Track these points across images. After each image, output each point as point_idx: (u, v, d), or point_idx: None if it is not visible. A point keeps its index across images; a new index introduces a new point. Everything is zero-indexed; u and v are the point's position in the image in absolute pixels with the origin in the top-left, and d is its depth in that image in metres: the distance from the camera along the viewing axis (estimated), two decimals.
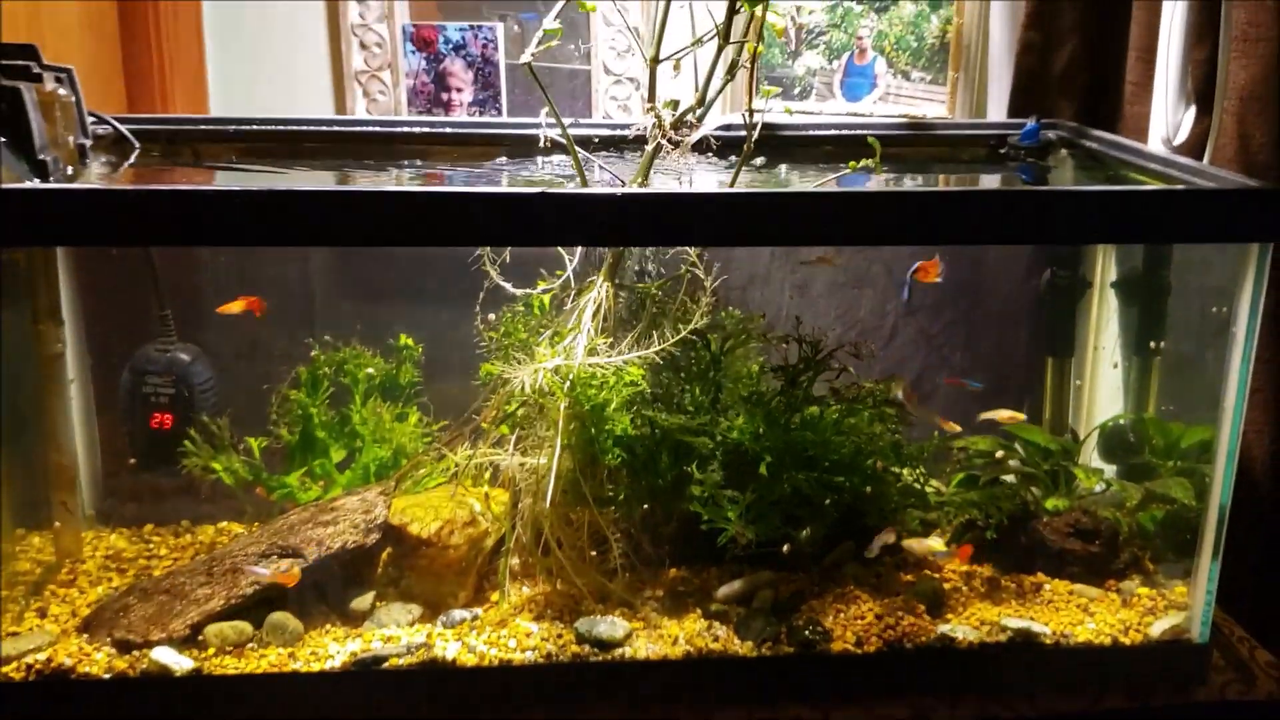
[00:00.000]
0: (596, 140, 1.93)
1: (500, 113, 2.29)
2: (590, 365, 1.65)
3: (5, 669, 1.55)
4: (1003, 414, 1.97)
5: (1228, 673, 1.71)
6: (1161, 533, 1.89)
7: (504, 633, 1.66)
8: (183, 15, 2.20)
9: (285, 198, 1.40)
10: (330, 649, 1.62)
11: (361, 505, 1.77)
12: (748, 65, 1.70)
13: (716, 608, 1.72)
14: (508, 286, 1.78)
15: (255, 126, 1.96)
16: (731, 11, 1.63)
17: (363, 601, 1.72)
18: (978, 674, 1.68)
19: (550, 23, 1.60)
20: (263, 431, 1.90)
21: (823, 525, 1.76)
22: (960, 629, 1.69)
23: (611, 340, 1.69)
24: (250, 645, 1.62)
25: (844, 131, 2.03)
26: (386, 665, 1.59)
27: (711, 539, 1.67)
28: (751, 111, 1.70)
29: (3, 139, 1.49)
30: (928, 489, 1.83)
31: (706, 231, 1.51)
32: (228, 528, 1.98)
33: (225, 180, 1.90)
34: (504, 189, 1.45)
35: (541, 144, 1.75)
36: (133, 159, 1.83)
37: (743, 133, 1.71)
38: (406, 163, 2.00)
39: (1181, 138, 2.02)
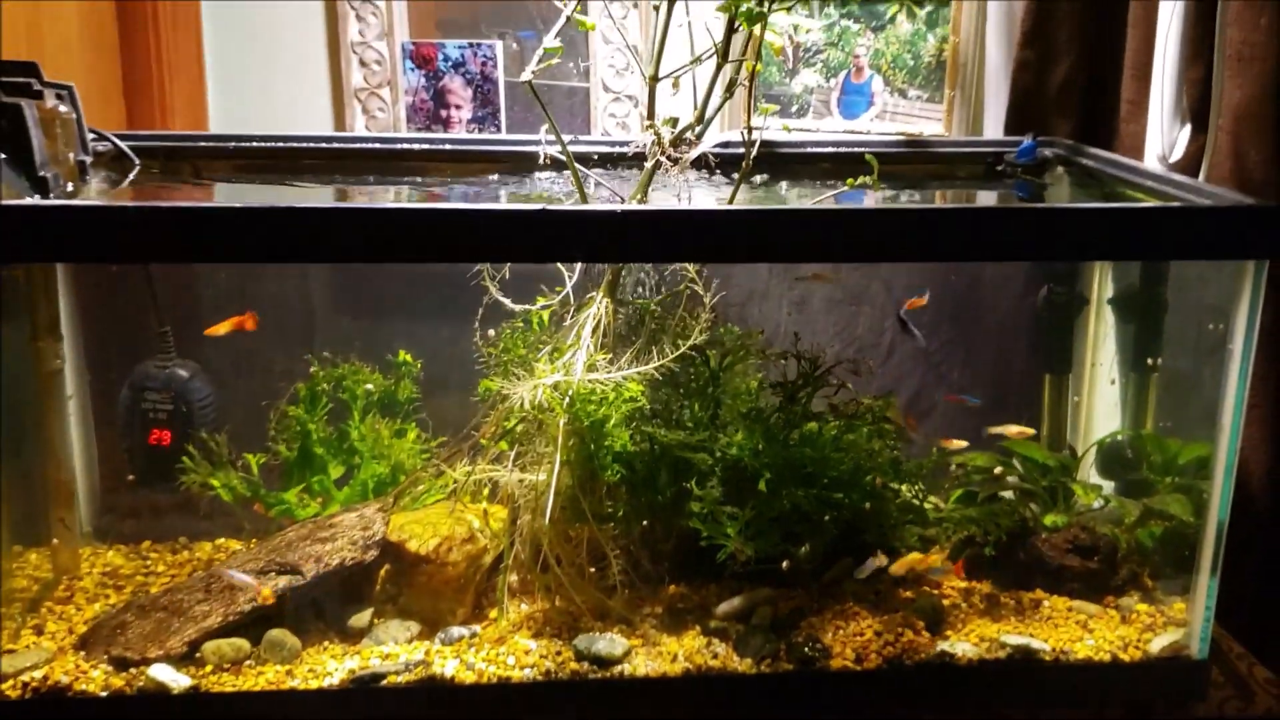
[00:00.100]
0: (596, 157, 1.93)
1: (499, 130, 2.30)
2: (589, 381, 1.65)
3: (2, 687, 1.55)
4: (1011, 429, 1.97)
5: (1226, 689, 1.71)
6: (1160, 549, 1.89)
7: (502, 650, 1.65)
8: (183, 32, 2.21)
9: (284, 214, 1.40)
10: (328, 666, 1.61)
11: (360, 522, 1.77)
12: (746, 83, 1.71)
13: (716, 625, 1.72)
14: (507, 302, 1.78)
15: (255, 143, 1.97)
16: (730, 30, 1.64)
17: (361, 618, 1.71)
18: (977, 690, 1.68)
19: (550, 41, 1.61)
20: (261, 448, 1.90)
21: (822, 542, 1.76)
22: (960, 646, 1.69)
23: (611, 356, 1.69)
24: (248, 662, 1.61)
25: (842, 149, 2.04)
26: (385, 683, 1.59)
27: (711, 555, 1.67)
28: (750, 129, 1.70)
29: (3, 155, 1.50)
30: (926, 505, 1.83)
31: (705, 248, 1.51)
32: (225, 544, 1.97)
33: (225, 196, 1.91)
34: (504, 206, 1.45)
35: (541, 161, 1.75)
36: (132, 176, 1.83)
37: (741, 150, 1.72)
38: (406, 179, 2.01)
39: (1177, 156, 2.03)
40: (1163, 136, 2.06)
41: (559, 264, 1.76)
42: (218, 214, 1.42)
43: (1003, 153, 2.07)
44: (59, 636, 1.68)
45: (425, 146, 2.01)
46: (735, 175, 1.74)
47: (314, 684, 1.58)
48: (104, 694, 1.55)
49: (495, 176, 1.97)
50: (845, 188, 1.72)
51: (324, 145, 2.00)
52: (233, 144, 1.96)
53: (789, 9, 1.65)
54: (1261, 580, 1.98)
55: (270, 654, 1.62)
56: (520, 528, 1.72)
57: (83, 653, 1.63)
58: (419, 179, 1.99)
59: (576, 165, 1.69)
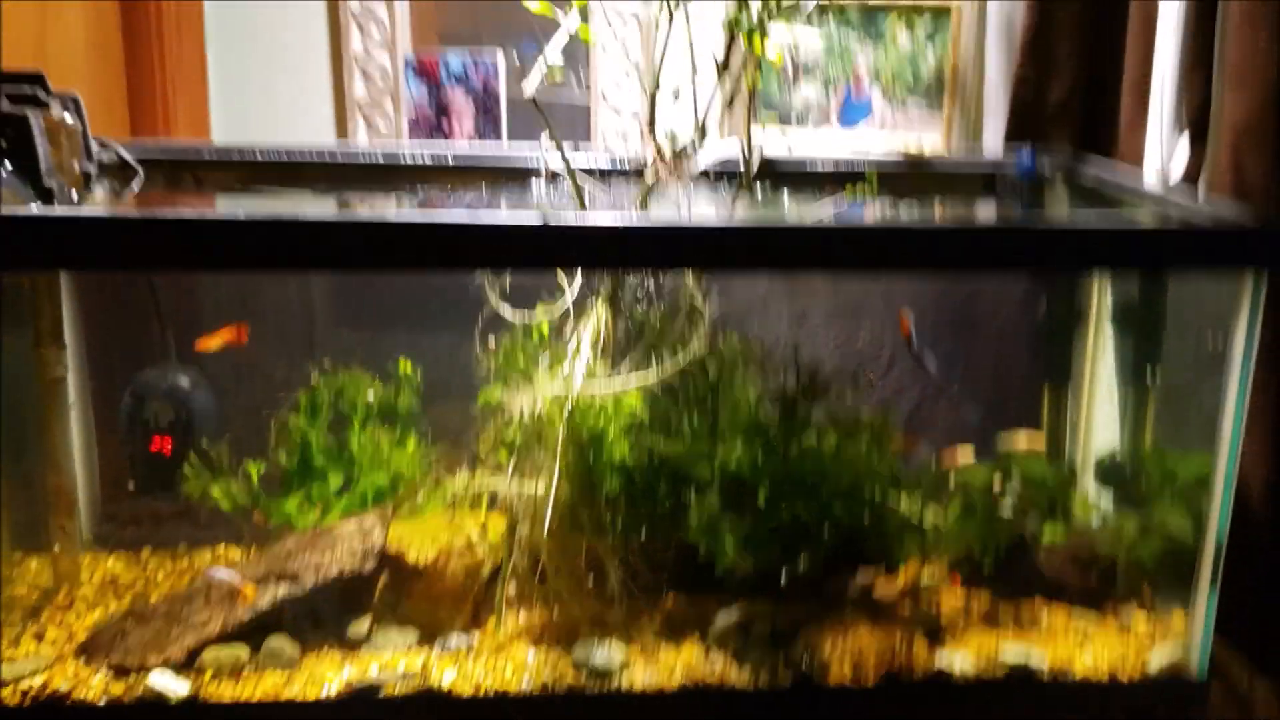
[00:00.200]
0: (596, 169, 1.94)
1: (501, 142, 2.31)
2: (589, 392, 1.65)
3: (2, 693, 1.55)
4: (1020, 438, 1.98)
5: (1226, 703, 1.71)
6: (1159, 562, 1.88)
7: (501, 660, 1.65)
8: (186, 42, 2.23)
9: (287, 224, 1.41)
10: (327, 675, 1.61)
11: (359, 531, 1.77)
12: (746, 96, 1.72)
13: (714, 637, 1.72)
14: (507, 313, 1.79)
15: (258, 154, 1.98)
16: (730, 42, 1.65)
17: (359, 627, 1.72)
18: (975, 704, 1.68)
19: (553, 55, 1.61)
20: (261, 457, 1.90)
21: (821, 554, 1.76)
22: (958, 659, 1.69)
23: (610, 367, 1.69)
24: (247, 671, 1.61)
25: (842, 166, 2.04)
26: (383, 692, 1.59)
27: (709, 567, 1.68)
28: (749, 141, 1.71)
29: (9, 165, 1.51)
30: (925, 518, 1.84)
31: (704, 259, 1.52)
32: (225, 553, 1.98)
33: (228, 206, 1.91)
34: (505, 215, 1.46)
35: (542, 172, 1.76)
36: (136, 185, 1.84)
37: (741, 164, 1.73)
38: (407, 190, 2.02)
39: (1177, 169, 2.03)
40: (1162, 150, 2.07)
41: (558, 273, 1.77)
42: (220, 224, 1.42)
43: (1001, 171, 2.08)
44: (59, 643, 1.68)
45: (427, 157, 2.02)
46: (734, 187, 1.74)
47: (312, 692, 1.58)
48: (103, 701, 1.55)
49: (503, 187, 1.98)
50: (844, 200, 1.73)
51: (326, 156, 2.01)
52: (236, 154, 1.98)
53: (790, 22, 1.66)
54: (1262, 593, 1.97)
55: (269, 662, 1.62)
56: (519, 538, 1.72)
57: (83, 660, 1.63)
58: (420, 189, 2.00)
59: (576, 176, 1.70)
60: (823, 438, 1.76)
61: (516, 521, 1.72)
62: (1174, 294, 2.00)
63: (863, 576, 1.74)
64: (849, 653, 1.68)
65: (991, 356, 2.24)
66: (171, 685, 1.56)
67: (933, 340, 1.86)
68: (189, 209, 1.84)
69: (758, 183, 1.92)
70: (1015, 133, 2.23)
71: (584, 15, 1.68)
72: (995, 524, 1.87)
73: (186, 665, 1.60)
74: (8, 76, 1.60)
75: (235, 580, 1.66)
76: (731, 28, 1.60)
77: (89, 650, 1.64)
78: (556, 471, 1.67)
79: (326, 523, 1.84)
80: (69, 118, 1.67)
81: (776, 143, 1.99)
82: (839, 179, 2.00)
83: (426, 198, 2.00)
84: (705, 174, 1.76)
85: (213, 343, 1.78)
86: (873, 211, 1.79)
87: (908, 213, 1.95)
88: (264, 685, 1.59)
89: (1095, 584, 1.84)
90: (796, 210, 1.93)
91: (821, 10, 2.23)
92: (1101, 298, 2.15)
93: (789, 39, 2.18)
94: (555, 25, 1.67)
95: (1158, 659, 1.71)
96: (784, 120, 2.29)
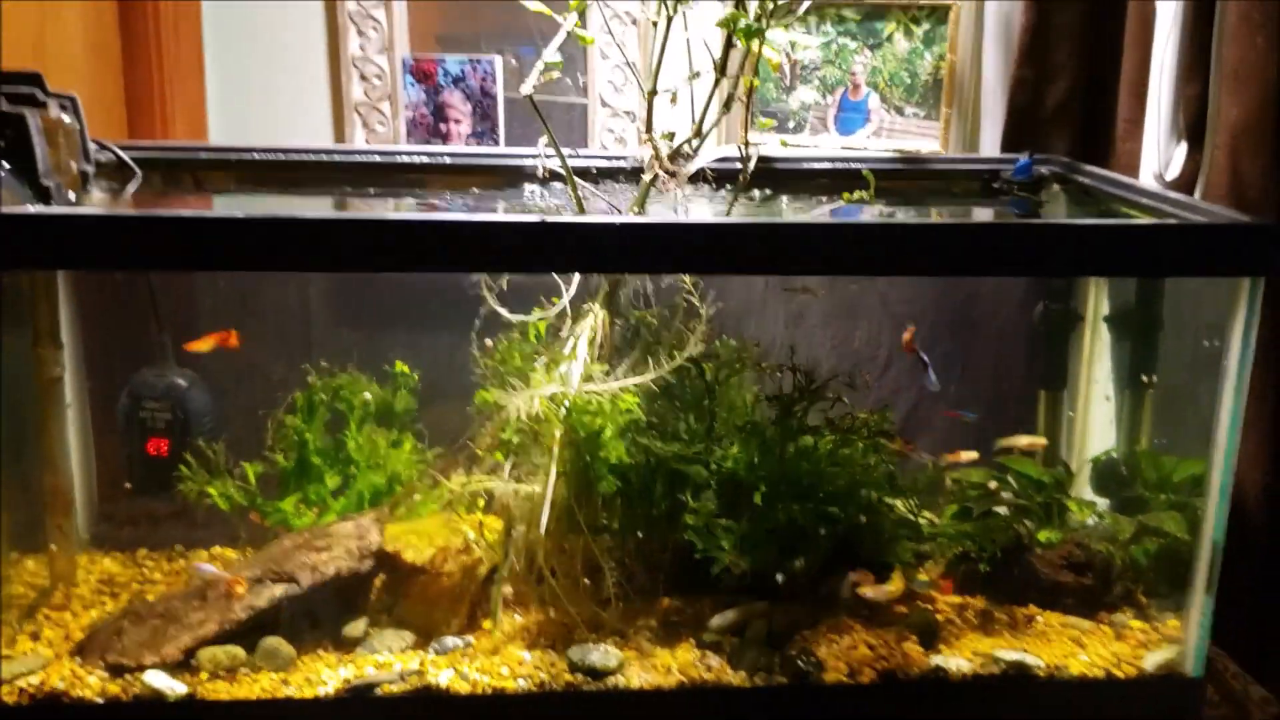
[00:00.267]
0: (594, 171, 1.94)
1: (498, 144, 2.32)
2: (586, 392, 1.66)
3: None
4: (1022, 440, 1.98)
5: (1221, 707, 1.71)
6: (1154, 566, 1.89)
7: (497, 660, 1.65)
8: (184, 44, 2.23)
9: (285, 224, 1.41)
10: (323, 675, 1.61)
11: (356, 531, 1.77)
12: (743, 98, 1.72)
13: (710, 637, 1.72)
14: (504, 313, 1.79)
15: (255, 155, 1.98)
16: (728, 45, 1.65)
17: (356, 628, 1.72)
18: (971, 706, 1.68)
19: (551, 55, 1.62)
20: (259, 457, 1.90)
21: (817, 555, 1.76)
22: (954, 661, 1.69)
23: (607, 368, 1.70)
24: (243, 670, 1.61)
25: (838, 165, 2.05)
26: (379, 692, 1.59)
27: (705, 568, 1.68)
28: (747, 144, 1.71)
29: (7, 164, 1.51)
30: (921, 520, 1.84)
31: (701, 260, 1.52)
32: (222, 553, 1.98)
33: (225, 206, 1.92)
34: (503, 217, 1.46)
35: (540, 174, 1.76)
36: (134, 186, 1.84)
37: (738, 165, 1.73)
38: (405, 191, 2.02)
39: (1174, 173, 2.04)
40: (1159, 154, 2.07)
41: (556, 275, 1.77)
42: (217, 223, 1.43)
43: (999, 170, 2.08)
44: (55, 643, 1.68)
45: (424, 159, 2.03)
46: (732, 190, 1.75)
47: (308, 692, 1.58)
48: (100, 700, 1.55)
49: (499, 189, 1.99)
50: (841, 202, 1.73)
51: (324, 158, 2.01)
52: (234, 155, 1.98)
53: (786, 26, 1.66)
54: (1257, 597, 1.98)
55: (265, 662, 1.62)
56: (515, 539, 1.72)
57: (79, 659, 1.63)
58: (418, 191, 2.00)
59: (575, 178, 1.70)
60: (819, 439, 1.76)
61: (513, 522, 1.72)
62: (1170, 297, 2.01)
63: (858, 578, 1.74)
64: (844, 653, 1.68)
65: (989, 359, 2.24)
66: (168, 684, 1.56)
67: (931, 348, 1.87)
68: (186, 208, 1.84)
69: (756, 190, 1.93)
70: (1012, 136, 2.23)
71: (582, 17, 1.68)
72: (991, 526, 1.87)
73: (183, 665, 1.60)
74: (6, 76, 1.60)
75: (223, 576, 1.66)
76: (727, 26, 1.60)
77: (85, 650, 1.64)
78: (553, 472, 1.67)
79: (323, 523, 1.85)
80: (67, 117, 1.67)
81: (773, 150, 1.99)
82: (835, 177, 2.00)
83: (425, 200, 2.01)
84: (703, 176, 1.76)
85: (202, 347, 1.78)
86: (870, 213, 1.80)
87: (903, 214, 1.96)
88: (260, 685, 1.59)
89: (1091, 587, 1.84)
90: (793, 212, 1.94)
91: (819, 13, 2.24)
92: (1098, 301, 2.15)
93: (785, 41, 2.19)
94: (553, 32, 1.67)
95: (1152, 660, 1.71)
96: (781, 128, 2.29)
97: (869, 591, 1.71)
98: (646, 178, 1.69)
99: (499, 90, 2.30)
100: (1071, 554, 1.86)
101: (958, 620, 1.81)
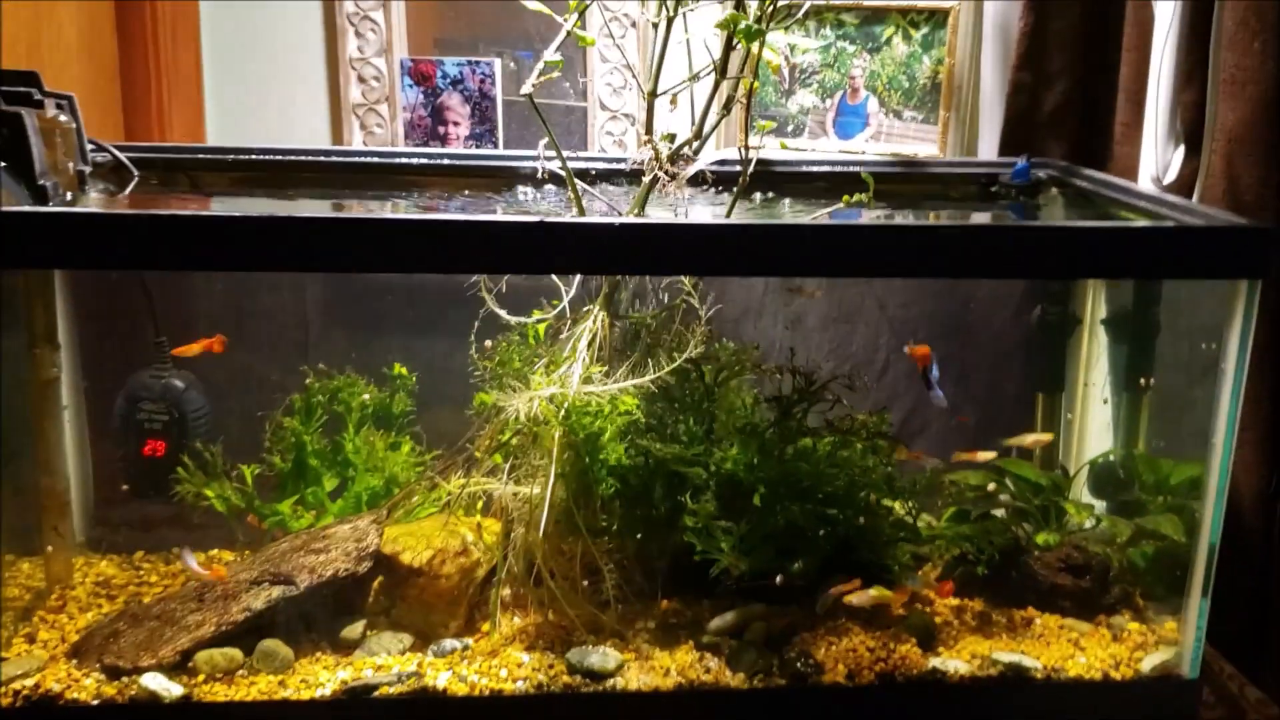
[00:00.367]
0: (593, 173, 1.94)
1: (496, 147, 2.31)
2: (585, 394, 1.65)
3: None
4: (1028, 439, 1.98)
5: (1218, 709, 1.71)
6: (1152, 569, 1.89)
7: (495, 663, 1.65)
8: (182, 46, 2.23)
9: (282, 224, 1.41)
10: (321, 677, 1.61)
11: (353, 533, 1.77)
12: (743, 101, 1.72)
13: (709, 639, 1.72)
14: (503, 315, 1.79)
15: (253, 156, 1.98)
16: (728, 47, 1.65)
17: (353, 630, 1.71)
18: (969, 707, 1.68)
19: (551, 55, 1.62)
20: (256, 459, 1.90)
21: (816, 558, 1.76)
22: (951, 663, 1.69)
23: (606, 369, 1.69)
24: (240, 672, 1.61)
25: (837, 168, 2.05)
26: (377, 694, 1.59)
27: (704, 570, 1.67)
28: (746, 146, 1.71)
29: (3, 164, 1.50)
30: (920, 522, 1.84)
31: (701, 262, 1.52)
32: (219, 555, 1.97)
33: (221, 207, 1.91)
34: (502, 218, 1.46)
35: (539, 175, 1.76)
36: (131, 186, 1.84)
37: (737, 167, 1.73)
38: (403, 193, 2.02)
39: (1171, 177, 2.04)
40: (1157, 158, 2.08)
41: (555, 277, 1.77)
42: (215, 222, 1.42)
43: (997, 174, 2.09)
44: (51, 645, 1.67)
45: (422, 161, 2.03)
46: (731, 192, 1.75)
47: (306, 695, 1.58)
48: (95, 702, 1.55)
49: (498, 190, 1.99)
50: (841, 205, 1.73)
51: (321, 159, 2.01)
52: (231, 157, 1.97)
53: (786, 29, 1.66)
54: (1253, 600, 1.98)
55: (263, 664, 1.62)
56: (514, 541, 1.72)
57: (75, 661, 1.62)
58: (416, 192, 2.00)
59: (575, 180, 1.70)
60: (818, 441, 1.76)
61: (512, 524, 1.72)
62: (1167, 301, 2.02)
63: (837, 591, 1.73)
64: (843, 655, 1.68)
65: (987, 362, 2.24)
66: (164, 686, 1.56)
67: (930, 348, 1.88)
68: (184, 208, 1.84)
69: (756, 192, 1.93)
70: (1010, 140, 2.24)
71: (582, 18, 1.68)
72: (990, 529, 1.87)
73: (179, 667, 1.60)
74: (2, 76, 1.60)
75: (201, 573, 1.66)
76: (727, 27, 1.60)
77: (81, 651, 1.64)
78: (552, 474, 1.67)
79: (321, 525, 1.84)
80: (63, 117, 1.67)
81: (773, 153, 1.99)
82: (834, 180, 2.00)
83: (423, 201, 2.00)
84: (703, 179, 1.76)
85: (189, 352, 1.78)
86: (869, 216, 1.80)
87: (902, 217, 1.96)
88: (258, 687, 1.58)
89: (1088, 589, 1.85)
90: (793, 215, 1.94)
91: (818, 17, 2.24)
92: (1096, 304, 2.16)
93: (785, 45, 2.19)
94: (551, 35, 1.67)
95: (1150, 662, 1.72)
96: (780, 132, 2.29)
97: (855, 599, 1.71)
98: (647, 179, 1.69)
99: (498, 93, 2.29)
100: (1069, 556, 1.87)
101: (956, 622, 1.81)
